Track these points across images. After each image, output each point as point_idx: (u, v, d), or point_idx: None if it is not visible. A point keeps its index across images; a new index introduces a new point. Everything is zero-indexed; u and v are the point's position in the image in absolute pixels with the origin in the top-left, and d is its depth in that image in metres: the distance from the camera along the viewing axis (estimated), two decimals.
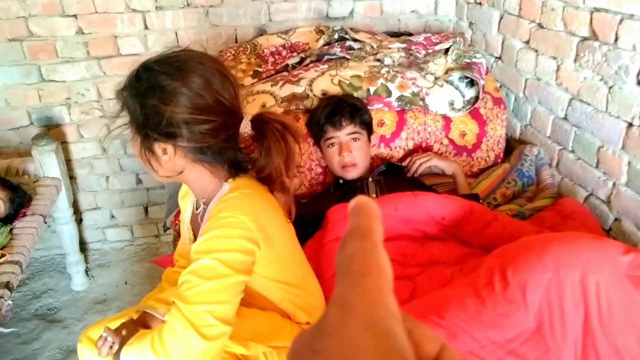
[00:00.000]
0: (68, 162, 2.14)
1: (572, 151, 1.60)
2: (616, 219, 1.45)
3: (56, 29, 1.94)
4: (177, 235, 1.52)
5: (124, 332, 1.00)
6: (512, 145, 1.89)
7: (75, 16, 1.93)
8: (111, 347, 0.98)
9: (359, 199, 0.29)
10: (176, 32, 2.04)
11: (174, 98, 0.93)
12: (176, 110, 0.92)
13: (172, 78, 0.94)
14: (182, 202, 1.21)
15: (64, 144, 2.11)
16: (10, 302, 1.42)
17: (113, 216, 2.33)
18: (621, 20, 1.32)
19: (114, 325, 1.14)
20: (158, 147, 0.97)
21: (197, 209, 1.10)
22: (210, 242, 0.93)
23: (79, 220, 2.25)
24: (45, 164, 1.90)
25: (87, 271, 2.19)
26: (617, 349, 0.88)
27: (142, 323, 1.09)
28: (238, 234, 0.94)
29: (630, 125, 1.35)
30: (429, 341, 0.27)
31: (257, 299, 1.09)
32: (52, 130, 2.08)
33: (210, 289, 0.89)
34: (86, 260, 2.22)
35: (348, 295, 0.24)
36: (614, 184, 1.43)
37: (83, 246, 2.29)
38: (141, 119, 0.96)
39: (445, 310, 0.94)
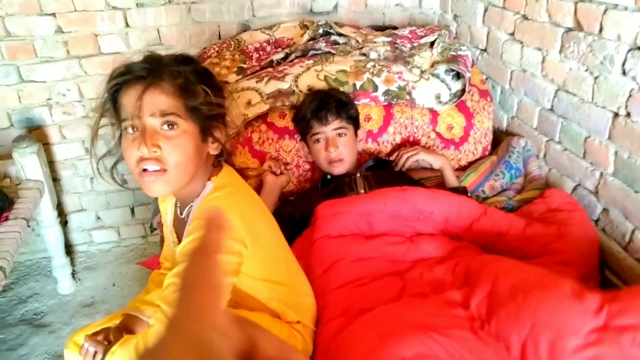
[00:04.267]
0: (51, 163, 2.10)
1: (559, 142, 1.60)
2: (604, 209, 1.45)
3: (34, 28, 1.90)
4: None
5: (111, 338, 0.98)
6: (499, 138, 1.89)
7: (54, 15, 1.89)
8: (94, 356, 0.95)
9: (214, 212, 0.30)
10: (158, 30, 2.01)
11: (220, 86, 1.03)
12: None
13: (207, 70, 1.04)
14: (162, 205, 1.18)
15: (46, 145, 2.07)
16: None
17: (99, 218, 2.30)
18: (605, 11, 1.31)
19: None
20: (218, 134, 1.01)
21: (180, 213, 1.07)
22: (195, 242, 0.91)
23: (64, 223, 2.22)
24: (27, 166, 1.86)
25: (73, 274, 2.15)
26: None
27: (125, 327, 1.07)
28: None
29: (616, 115, 1.35)
30: (270, 345, 0.30)
31: (246, 300, 1.08)
32: (33, 132, 2.04)
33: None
34: (72, 263, 2.19)
35: (176, 315, 0.26)
36: (601, 174, 1.44)
37: (69, 249, 2.25)
38: (205, 109, 0.97)
39: (446, 329, 0.97)
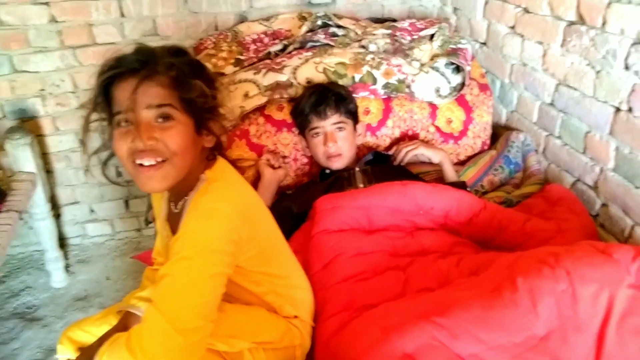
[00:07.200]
0: (44, 155, 2.07)
1: (559, 137, 1.59)
2: (603, 205, 1.44)
3: (28, 17, 1.86)
4: None
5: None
6: (498, 132, 1.88)
7: (47, 3, 1.85)
8: None
9: None
10: (154, 20, 1.97)
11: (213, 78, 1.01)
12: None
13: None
14: (154, 199, 1.17)
15: (39, 137, 2.04)
16: None
17: (93, 210, 2.27)
18: (609, 4, 1.30)
19: (97, 324, 1.11)
20: (212, 127, 0.99)
21: (175, 206, 1.05)
22: (190, 234, 0.89)
23: (57, 216, 2.19)
24: (20, 158, 1.83)
25: (66, 267, 2.13)
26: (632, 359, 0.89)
27: (124, 327, 1.05)
28: (220, 225, 0.91)
29: (617, 110, 1.34)
30: None
31: (241, 294, 1.06)
32: (26, 123, 2.00)
33: (190, 284, 0.85)
34: (66, 256, 2.16)
35: None
36: (601, 169, 1.43)
37: (62, 242, 2.22)
38: (200, 101, 0.95)
39: (448, 311, 0.92)
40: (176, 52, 0.97)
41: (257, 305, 1.09)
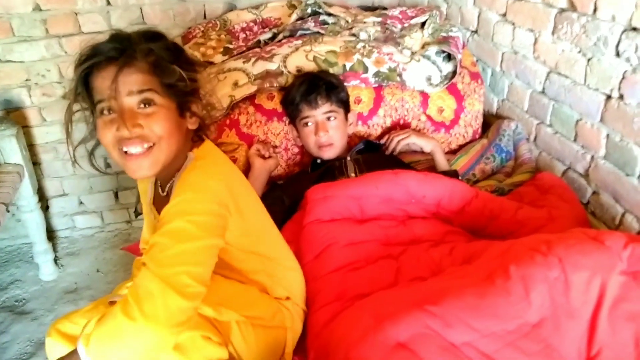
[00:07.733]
0: (31, 147, 2.04)
1: (550, 125, 1.59)
2: (594, 192, 1.45)
3: (11, 5, 1.82)
4: None
5: None
6: (489, 121, 1.88)
7: None
8: None
9: None
10: (141, 8, 1.94)
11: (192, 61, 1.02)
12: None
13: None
14: (140, 185, 1.17)
15: (25, 128, 2.00)
16: None
17: (82, 202, 2.25)
18: None
19: (87, 317, 1.09)
20: (195, 108, 1.00)
21: (162, 190, 1.06)
22: (181, 205, 0.90)
23: (45, 208, 2.16)
24: (6, 149, 1.80)
25: (56, 260, 2.10)
26: (624, 345, 0.90)
27: None
28: (209, 197, 0.92)
29: (609, 97, 1.33)
30: None
31: (232, 274, 1.07)
32: (12, 114, 1.97)
33: (185, 250, 0.86)
34: (55, 249, 2.14)
35: None
36: (592, 157, 1.43)
37: (51, 234, 2.20)
38: (181, 84, 0.95)
39: (441, 299, 0.92)
40: (152, 36, 0.97)
41: (248, 284, 1.09)
